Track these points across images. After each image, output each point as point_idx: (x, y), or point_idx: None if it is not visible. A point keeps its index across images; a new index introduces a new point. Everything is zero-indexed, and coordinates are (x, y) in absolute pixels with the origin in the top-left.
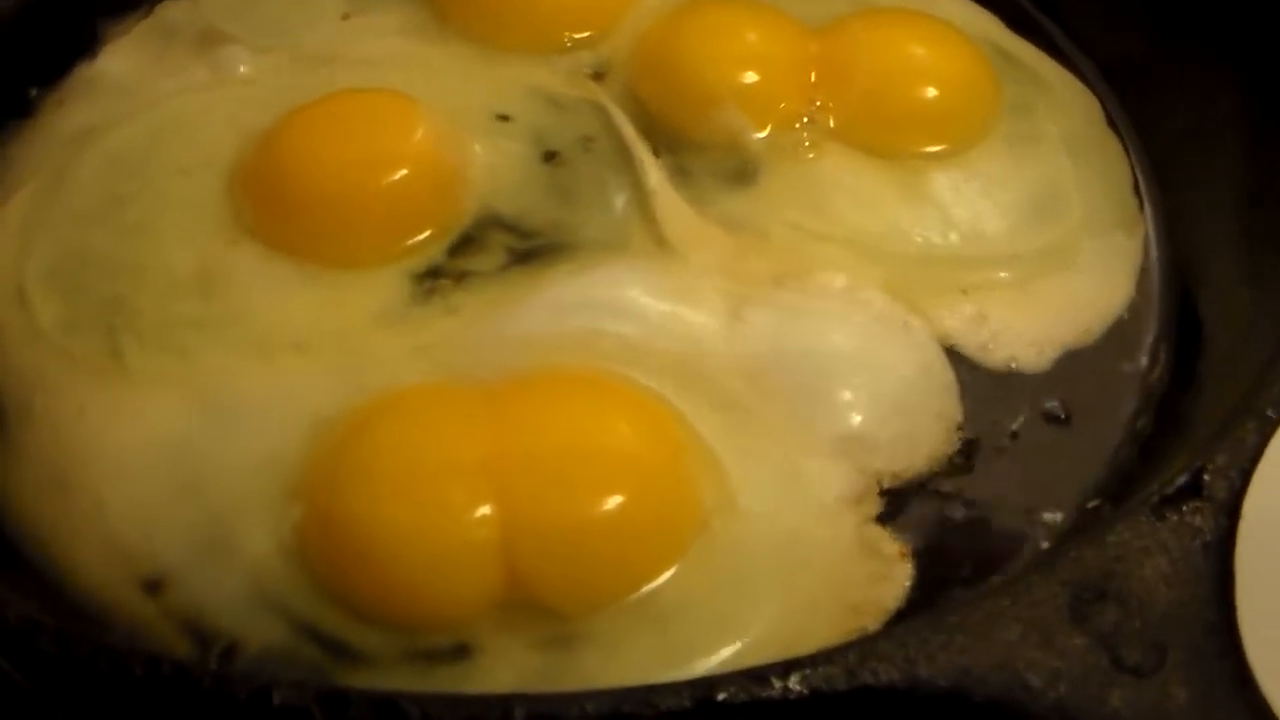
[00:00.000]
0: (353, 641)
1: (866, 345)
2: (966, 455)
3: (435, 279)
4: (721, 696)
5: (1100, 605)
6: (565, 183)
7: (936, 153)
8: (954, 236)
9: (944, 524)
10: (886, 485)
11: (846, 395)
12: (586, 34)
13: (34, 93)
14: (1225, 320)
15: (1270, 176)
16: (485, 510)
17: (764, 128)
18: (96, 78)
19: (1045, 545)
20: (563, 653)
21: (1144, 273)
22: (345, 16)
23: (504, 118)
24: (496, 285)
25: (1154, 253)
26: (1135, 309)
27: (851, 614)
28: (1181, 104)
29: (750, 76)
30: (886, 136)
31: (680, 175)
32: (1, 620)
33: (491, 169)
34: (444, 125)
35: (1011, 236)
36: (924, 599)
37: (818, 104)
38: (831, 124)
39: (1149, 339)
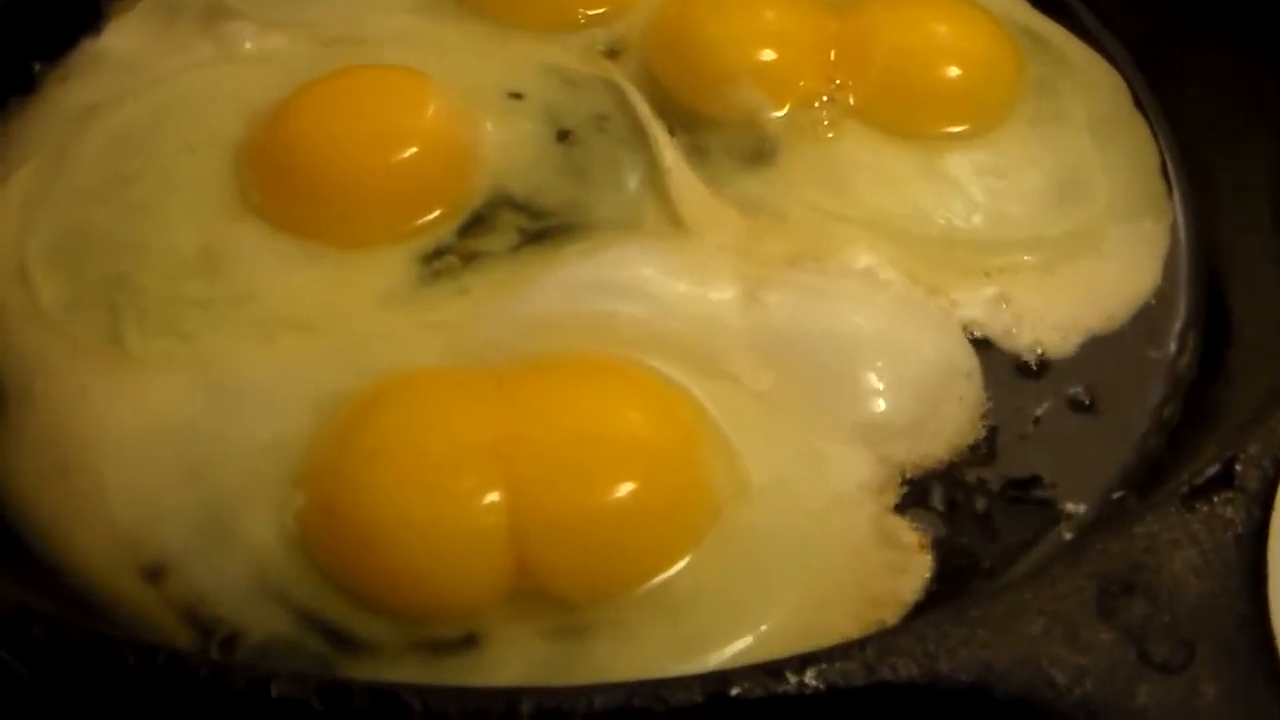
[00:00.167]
0: (357, 631)
1: (887, 328)
2: (988, 443)
3: (444, 259)
4: (735, 691)
5: (1128, 599)
6: (578, 162)
7: (958, 133)
8: (976, 219)
9: (965, 514)
10: (907, 473)
11: (866, 379)
12: (601, 10)
13: (38, 68)
14: (1255, 306)
15: None
16: (494, 496)
17: (782, 106)
18: (101, 53)
19: (1069, 537)
20: (573, 644)
21: (1171, 258)
22: None
23: (517, 95)
24: (507, 266)
25: (1182, 237)
26: (1163, 295)
27: (869, 606)
28: (1211, 85)
29: (768, 54)
30: (907, 116)
31: (696, 154)
32: None
33: (503, 148)
34: (455, 102)
35: (1035, 220)
36: (944, 592)
37: (837, 82)
38: (851, 103)
39: (1177, 325)
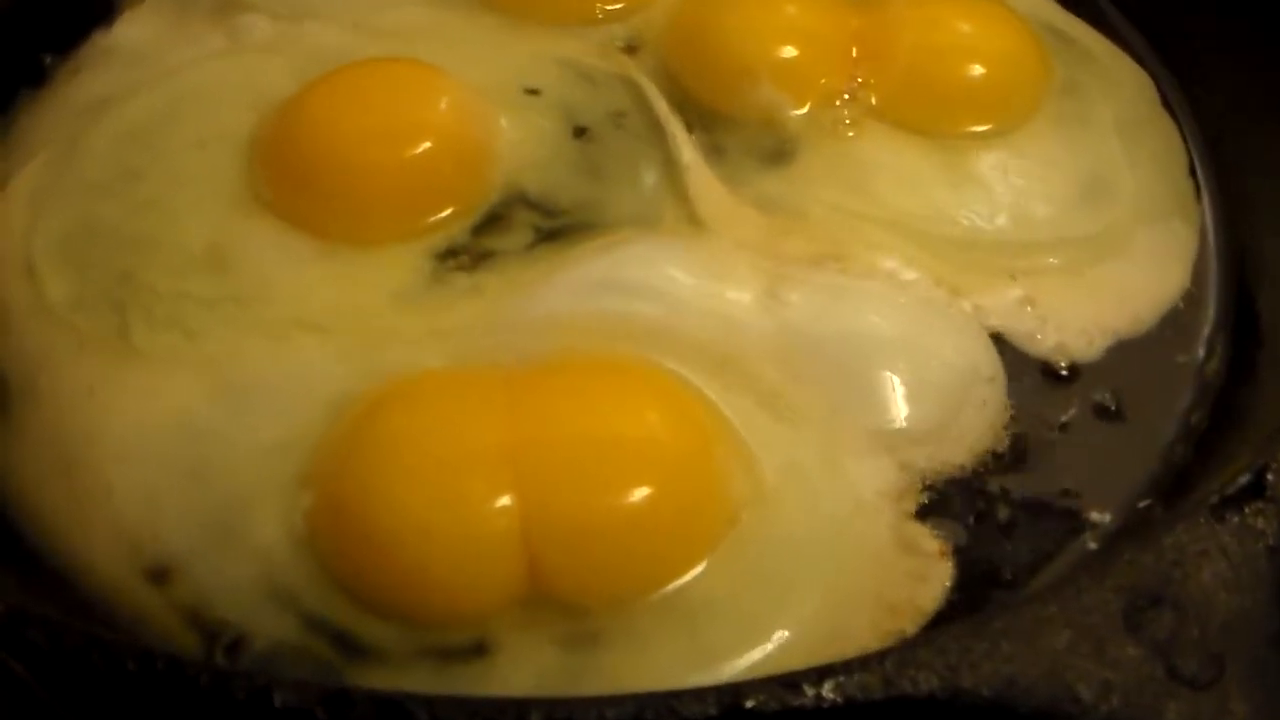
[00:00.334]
0: (365, 637)
1: (909, 330)
2: (1012, 448)
3: (457, 258)
4: (750, 704)
5: (1155, 612)
6: (595, 159)
7: (982, 133)
8: (1000, 220)
9: (987, 521)
10: (927, 479)
11: (887, 382)
12: (619, 5)
13: (48, 61)
14: None
15: None
16: (505, 500)
17: (803, 104)
18: (112, 46)
19: (1093, 547)
20: (585, 652)
21: (1200, 260)
22: None
23: (533, 91)
24: (521, 265)
25: (1210, 240)
26: (1191, 298)
27: (888, 615)
28: (1241, 84)
29: (789, 51)
30: (930, 115)
31: (715, 153)
32: None
33: (519, 144)
34: (470, 98)
35: (1060, 221)
36: (964, 601)
37: (859, 80)
38: (873, 101)
39: (1205, 329)
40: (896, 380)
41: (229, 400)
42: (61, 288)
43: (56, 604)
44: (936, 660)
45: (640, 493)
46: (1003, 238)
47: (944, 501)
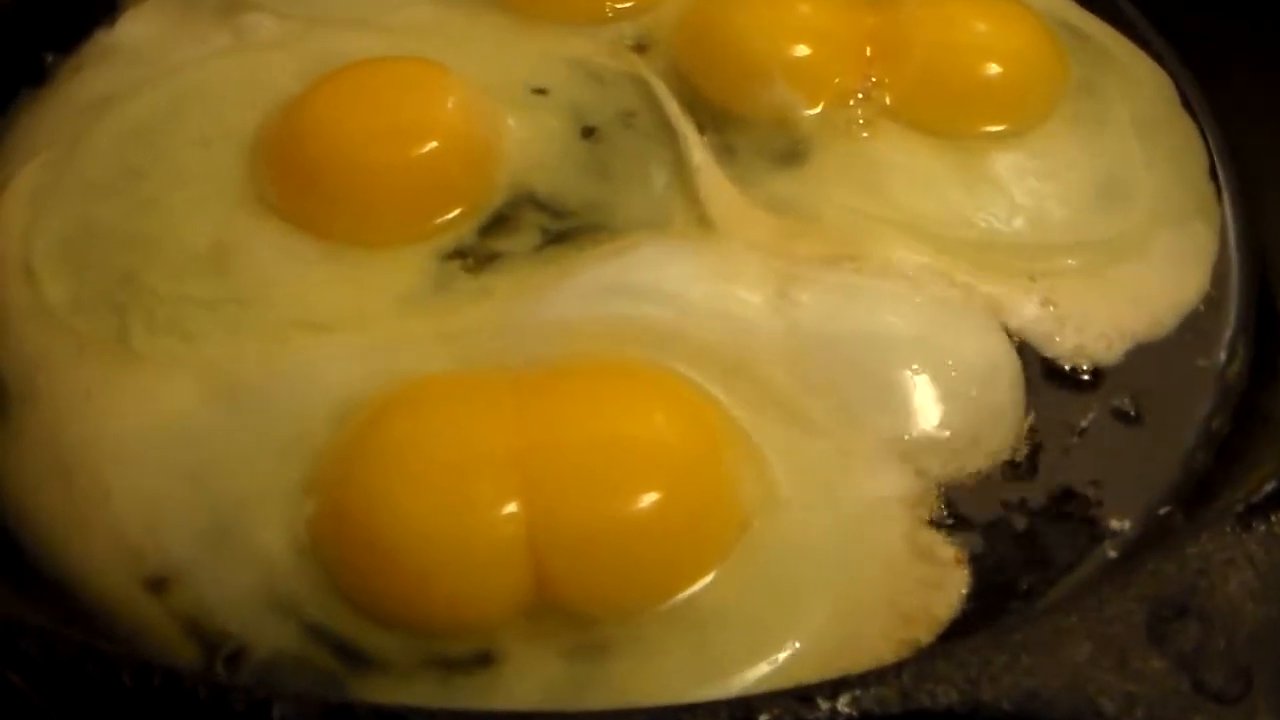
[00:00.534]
0: (368, 647)
1: (925, 331)
2: (1029, 455)
3: (464, 260)
4: (763, 718)
5: (1180, 623)
6: (604, 160)
7: (998, 133)
8: (1017, 221)
9: (1003, 528)
10: (943, 485)
11: (902, 385)
12: (629, 4)
13: (50, 59)
14: None
15: None
16: (512, 507)
17: (815, 104)
18: (115, 44)
19: (1113, 555)
20: (592, 662)
21: (1221, 262)
22: None
23: (541, 91)
24: (529, 267)
25: (1231, 241)
26: (1211, 301)
27: (902, 623)
28: (1262, 83)
29: (801, 50)
30: (945, 115)
31: (726, 154)
32: None
33: (526, 144)
34: (477, 97)
35: (1078, 223)
36: (980, 610)
37: (873, 80)
38: (887, 101)
39: (1226, 333)
40: (912, 383)
41: (230, 404)
42: (60, 289)
43: (55, 612)
44: (955, 673)
45: (649, 499)
46: (1019, 240)
47: (960, 508)
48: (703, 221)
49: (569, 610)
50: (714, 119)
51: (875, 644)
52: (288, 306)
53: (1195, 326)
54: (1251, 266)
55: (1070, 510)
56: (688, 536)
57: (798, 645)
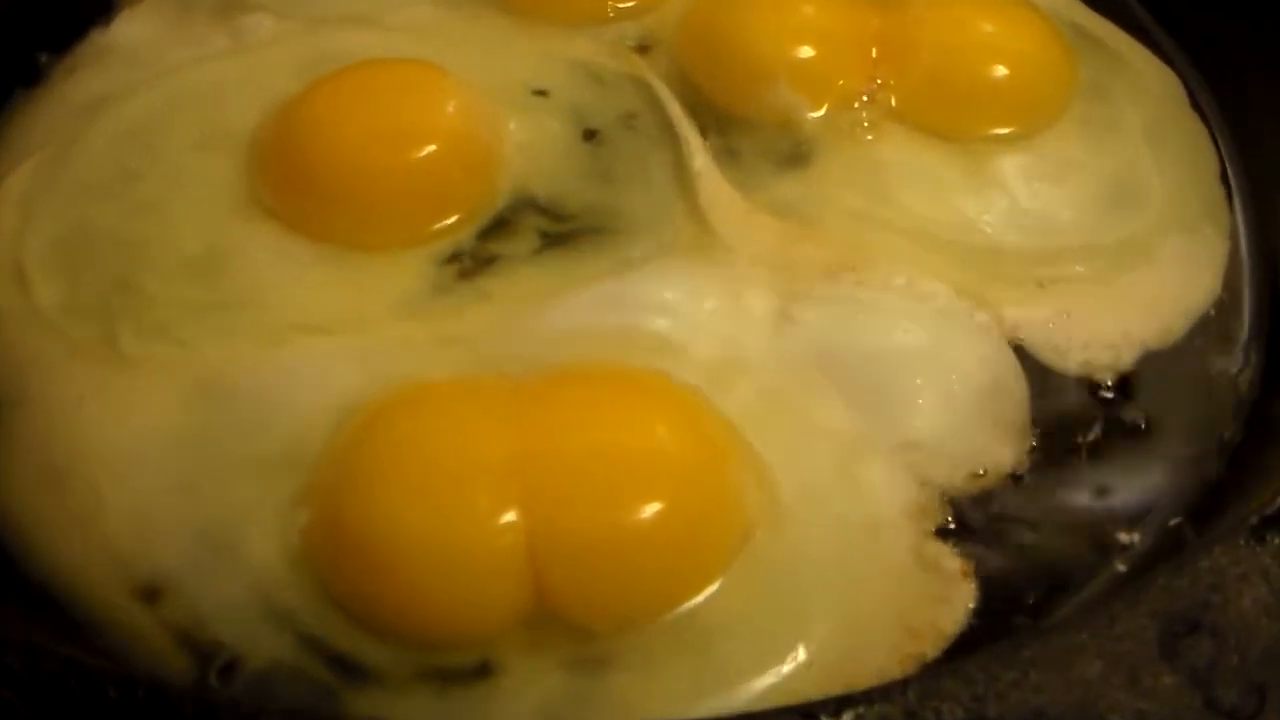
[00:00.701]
0: (364, 658)
1: (929, 343)
2: (1036, 466)
3: (462, 264)
4: None
5: (1193, 639)
6: (605, 163)
7: (1005, 136)
8: (1025, 226)
9: (1010, 541)
10: (949, 497)
11: (907, 398)
12: (631, 4)
13: (44, 59)
14: None
15: None
16: (510, 515)
17: (820, 107)
18: (111, 44)
19: (1122, 568)
20: (592, 675)
21: (1232, 268)
22: None
23: (541, 93)
24: (528, 272)
25: (1243, 246)
26: (1222, 307)
27: (908, 637)
28: (1273, 85)
29: (806, 51)
30: (952, 118)
31: (728, 156)
32: None
33: (527, 147)
34: (477, 99)
35: (1087, 227)
36: (987, 625)
37: (878, 82)
38: (893, 103)
39: (1238, 340)
40: (916, 395)
41: (224, 411)
42: (52, 293)
43: (44, 623)
44: (962, 690)
45: (651, 509)
46: (1026, 245)
47: (966, 520)
48: (704, 226)
49: (569, 622)
50: (717, 121)
51: (880, 658)
52: (283, 311)
53: (1206, 333)
54: (1263, 272)
55: (1078, 522)
56: (690, 547)
57: (801, 658)
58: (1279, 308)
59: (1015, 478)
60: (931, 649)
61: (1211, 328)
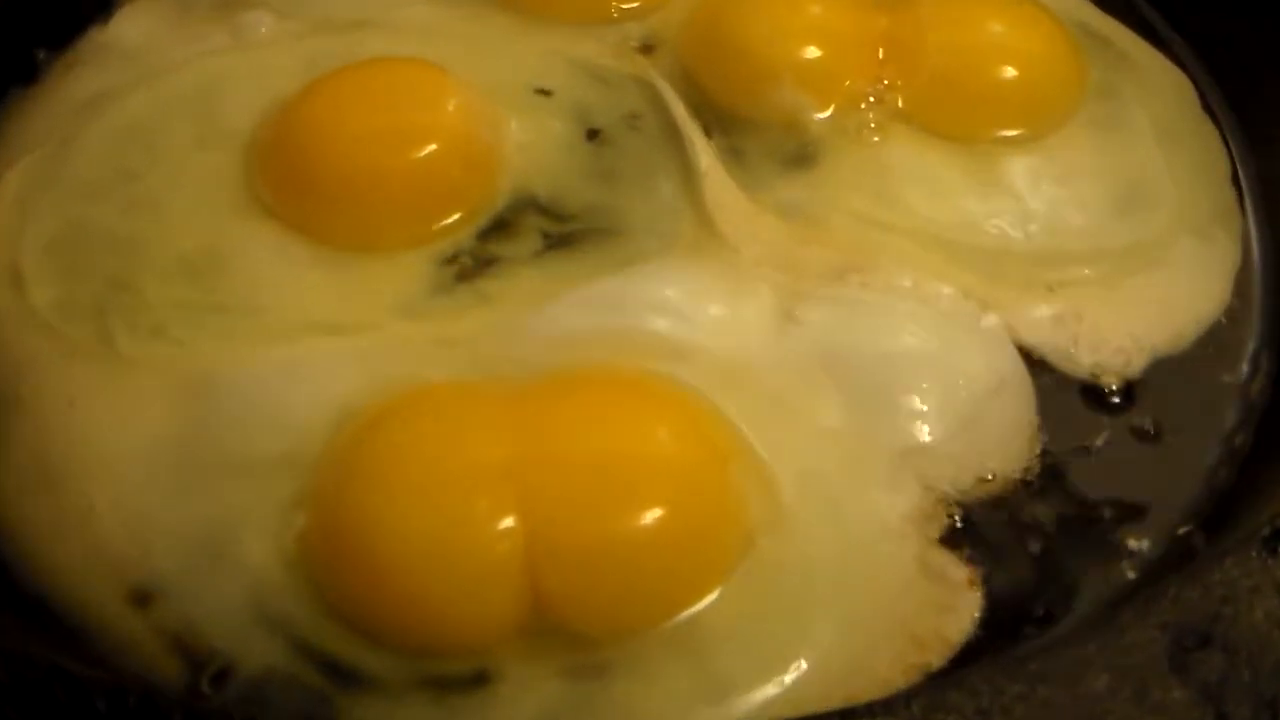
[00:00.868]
0: (359, 665)
1: (935, 347)
2: (1044, 471)
3: (462, 264)
4: None
5: (1204, 653)
6: (608, 164)
7: (1013, 138)
8: (1032, 229)
9: (1017, 549)
10: (954, 504)
11: (912, 402)
12: (635, 4)
13: (42, 56)
14: None
15: None
16: (509, 521)
17: (826, 108)
18: (110, 42)
19: (1131, 576)
20: (591, 683)
21: (1243, 272)
22: None
23: (544, 92)
24: (529, 274)
25: (1254, 250)
26: (1233, 313)
27: (913, 647)
28: None
29: (812, 52)
30: (959, 119)
31: (733, 157)
32: None
33: (529, 147)
34: (478, 99)
35: (1096, 231)
36: (993, 634)
37: (885, 82)
38: (900, 104)
39: (1249, 346)
40: (921, 400)
41: (220, 412)
42: (47, 292)
43: (36, 629)
44: (967, 704)
45: (651, 515)
46: (1035, 248)
47: (972, 527)
48: (708, 227)
49: (567, 629)
50: (721, 122)
51: (884, 668)
52: (282, 312)
53: (1217, 339)
54: (1275, 276)
55: (1087, 530)
56: (691, 553)
57: (804, 667)
58: None
59: (1022, 484)
60: (936, 659)
61: (1222, 333)
